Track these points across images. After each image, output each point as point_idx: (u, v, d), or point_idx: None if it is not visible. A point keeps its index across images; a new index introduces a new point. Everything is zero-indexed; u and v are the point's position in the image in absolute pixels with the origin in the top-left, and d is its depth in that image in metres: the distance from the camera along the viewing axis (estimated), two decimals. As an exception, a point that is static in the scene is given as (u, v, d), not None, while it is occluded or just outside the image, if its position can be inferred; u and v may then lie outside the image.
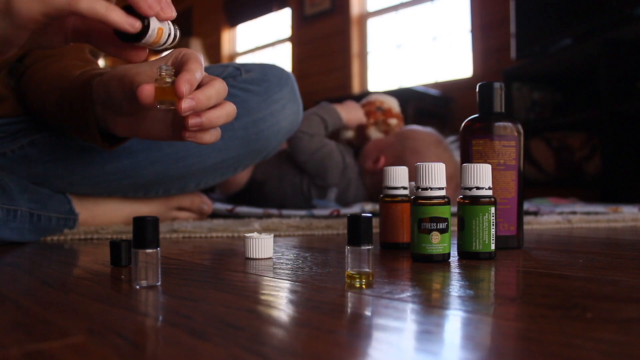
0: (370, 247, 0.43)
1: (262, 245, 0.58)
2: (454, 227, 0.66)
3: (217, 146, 0.90)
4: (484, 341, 0.29)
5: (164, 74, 0.52)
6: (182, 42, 4.40)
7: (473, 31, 3.14)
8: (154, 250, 0.42)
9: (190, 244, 0.75)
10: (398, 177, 0.67)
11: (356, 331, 0.31)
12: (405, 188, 0.67)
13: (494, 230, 0.57)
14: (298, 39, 4.13)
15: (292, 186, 1.47)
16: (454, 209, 0.64)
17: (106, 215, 0.94)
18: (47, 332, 0.30)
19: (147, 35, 0.50)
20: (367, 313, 0.35)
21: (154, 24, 0.50)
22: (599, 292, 0.40)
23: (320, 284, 0.44)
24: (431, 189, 0.55)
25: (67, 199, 0.88)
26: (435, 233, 0.54)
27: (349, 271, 0.43)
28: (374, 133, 1.59)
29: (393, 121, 1.60)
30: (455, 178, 1.33)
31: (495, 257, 0.57)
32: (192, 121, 0.54)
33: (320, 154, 1.42)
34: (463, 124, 0.68)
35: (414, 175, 0.58)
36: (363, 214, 0.43)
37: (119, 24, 0.47)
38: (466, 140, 0.67)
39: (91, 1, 0.45)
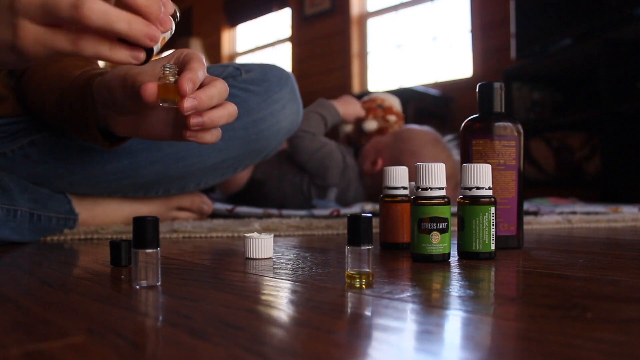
0: (370, 247, 0.43)
1: (262, 245, 0.58)
2: (454, 227, 0.66)
3: (217, 146, 0.90)
4: (484, 341, 0.29)
5: (167, 72, 0.52)
6: (182, 42, 4.41)
7: (473, 31, 3.14)
8: (154, 250, 0.42)
9: (190, 244, 0.75)
10: (398, 177, 0.67)
11: (356, 331, 0.31)
12: (405, 188, 0.67)
13: (494, 230, 0.57)
14: (298, 39, 4.13)
15: (292, 186, 1.47)
16: (454, 209, 0.64)
17: (106, 215, 0.94)
18: (47, 332, 0.30)
19: (153, 53, 0.51)
20: (367, 313, 0.35)
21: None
22: (599, 292, 0.40)
23: (320, 284, 0.44)
24: (431, 189, 0.55)
25: (67, 199, 0.88)
26: (435, 233, 0.54)
27: (349, 271, 0.43)
28: (371, 124, 1.59)
29: (392, 117, 1.60)
30: (454, 177, 1.34)
31: (495, 257, 0.57)
32: (193, 120, 0.54)
33: (320, 154, 1.42)
34: (463, 124, 0.68)
35: (414, 175, 0.58)
36: (363, 214, 0.43)
37: (125, 61, 0.47)
38: (466, 140, 0.67)
39: (94, 45, 0.45)
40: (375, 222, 0.85)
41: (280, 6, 4.30)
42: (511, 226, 0.65)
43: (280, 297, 0.40)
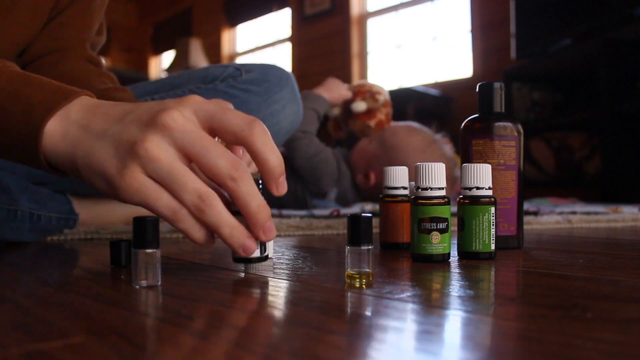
0: (370, 247, 0.43)
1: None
2: (454, 227, 0.66)
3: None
4: (484, 341, 0.29)
5: None
6: (182, 42, 4.41)
7: (473, 31, 3.14)
8: (154, 250, 0.42)
9: (190, 244, 0.75)
10: (398, 177, 0.67)
11: (356, 331, 0.31)
12: (405, 188, 0.67)
13: (494, 230, 0.57)
14: (298, 39, 4.13)
15: (287, 191, 1.48)
16: (454, 209, 0.64)
17: (106, 215, 0.94)
18: (47, 332, 0.30)
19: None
20: (367, 313, 0.35)
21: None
22: (599, 292, 0.40)
23: (320, 284, 0.44)
24: (431, 189, 0.55)
25: (68, 199, 0.88)
26: (435, 233, 0.54)
27: (349, 271, 0.43)
28: (359, 105, 1.59)
29: (381, 97, 1.60)
30: (450, 177, 1.34)
31: (495, 257, 0.57)
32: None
33: (316, 160, 1.43)
34: (463, 124, 0.68)
35: (414, 175, 0.58)
36: (363, 214, 0.43)
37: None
38: (466, 140, 0.67)
39: (190, 223, 0.41)
40: (375, 222, 0.85)
41: (280, 6, 4.30)
42: (511, 226, 0.65)
43: (280, 297, 0.40)
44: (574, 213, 1.21)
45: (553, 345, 0.27)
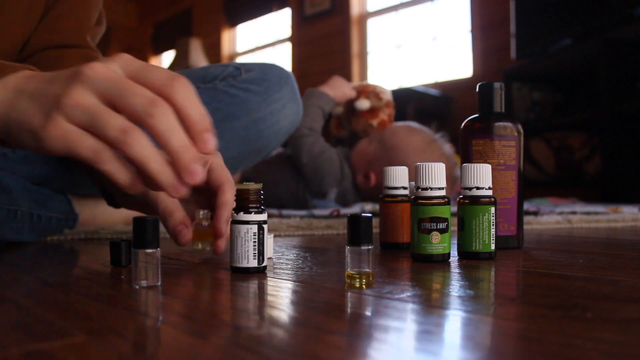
0: (370, 247, 0.43)
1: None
2: (454, 227, 0.65)
3: (217, 146, 0.90)
4: (484, 341, 0.29)
5: (201, 217, 0.57)
6: (182, 42, 4.41)
7: (473, 31, 3.14)
8: (154, 250, 0.42)
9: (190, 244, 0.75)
10: (398, 177, 0.67)
11: (356, 331, 0.31)
12: (405, 188, 0.67)
13: (494, 230, 0.57)
14: (298, 39, 4.13)
15: (287, 191, 1.49)
16: (454, 208, 0.64)
17: (106, 215, 0.94)
18: (47, 332, 0.30)
19: None
20: (367, 313, 0.35)
21: None
22: (599, 292, 0.40)
23: (320, 284, 0.44)
24: (431, 189, 0.55)
25: (68, 199, 0.88)
26: (435, 233, 0.54)
27: (349, 271, 0.43)
28: (363, 103, 1.60)
29: (385, 96, 1.61)
30: (450, 177, 1.34)
31: (495, 257, 0.57)
32: (222, 246, 0.56)
33: (321, 160, 1.43)
34: (463, 124, 0.68)
35: (414, 175, 0.58)
36: (363, 214, 0.43)
37: (131, 191, 0.45)
38: (466, 140, 0.67)
39: (113, 164, 0.42)
40: (375, 222, 0.85)
41: (280, 6, 4.30)
42: (511, 226, 0.65)
43: (280, 297, 0.40)
44: (574, 213, 1.21)
45: (553, 345, 0.27)
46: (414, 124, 1.52)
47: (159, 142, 0.41)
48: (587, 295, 0.39)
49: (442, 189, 0.55)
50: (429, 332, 0.30)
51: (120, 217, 0.96)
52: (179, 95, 0.42)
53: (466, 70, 3.20)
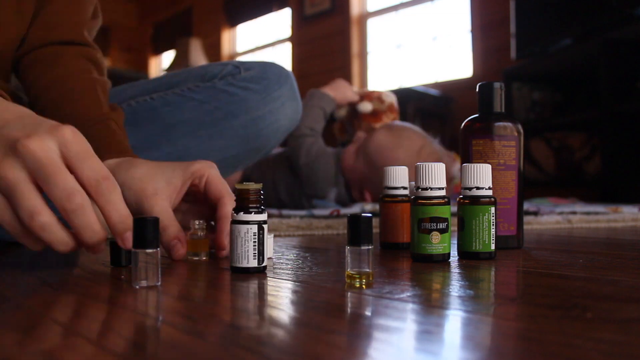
0: (370, 247, 0.43)
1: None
2: (454, 227, 0.65)
3: (217, 145, 0.90)
4: (484, 341, 0.29)
5: (197, 227, 0.57)
6: (182, 42, 4.40)
7: (473, 31, 3.14)
8: (154, 250, 0.42)
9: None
10: (398, 177, 0.67)
11: (356, 331, 0.31)
12: (405, 188, 0.67)
13: (494, 230, 0.57)
14: (298, 39, 4.13)
15: (286, 191, 1.49)
16: (454, 208, 0.64)
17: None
18: (47, 332, 0.30)
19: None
20: (367, 313, 0.35)
21: None
22: (599, 292, 0.40)
23: (320, 284, 0.44)
24: (431, 189, 0.55)
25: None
26: (435, 233, 0.54)
27: (349, 271, 0.43)
28: (365, 105, 1.60)
29: (387, 100, 1.61)
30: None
31: (495, 257, 0.57)
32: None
33: (317, 164, 1.43)
34: (463, 124, 0.68)
35: (414, 175, 0.58)
36: (363, 214, 0.43)
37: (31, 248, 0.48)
38: (466, 140, 0.67)
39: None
40: (375, 222, 0.85)
41: (280, 6, 4.30)
42: (511, 226, 0.65)
43: (280, 297, 0.40)
44: (574, 213, 1.21)
45: (553, 345, 0.27)
46: (398, 128, 1.46)
47: (75, 234, 0.45)
48: (587, 295, 0.39)
49: (442, 189, 0.55)
50: (429, 332, 0.30)
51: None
52: (102, 198, 0.45)
53: (466, 70, 3.20)
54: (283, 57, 4.36)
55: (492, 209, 0.56)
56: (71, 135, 0.45)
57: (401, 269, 0.52)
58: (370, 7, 3.78)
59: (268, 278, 0.46)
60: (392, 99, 1.66)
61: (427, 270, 0.51)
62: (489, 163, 0.62)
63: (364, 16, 3.79)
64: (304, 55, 4.06)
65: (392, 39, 3.67)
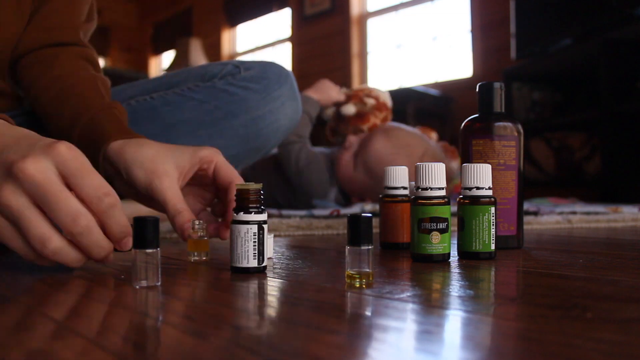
0: (370, 247, 0.43)
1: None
2: (454, 227, 0.65)
3: (217, 145, 0.90)
4: (484, 341, 0.29)
5: (197, 227, 0.57)
6: (182, 42, 4.40)
7: (473, 31, 3.14)
8: (154, 250, 0.42)
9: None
10: (398, 177, 0.67)
11: (356, 331, 0.31)
12: (405, 188, 0.67)
13: (494, 230, 0.57)
14: (298, 39, 4.13)
15: (281, 193, 1.49)
16: (454, 208, 0.64)
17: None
18: (47, 332, 0.30)
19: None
20: (367, 313, 0.35)
21: None
22: (599, 292, 0.40)
23: (320, 284, 0.44)
24: (431, 189, 0.55)
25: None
26: (435, 233, 0.54)
27: (349, 271, 0.43)
28: (348, 108, 1.55)
29: (370, 100, 1.55)
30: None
31: (495, 257, 0.57)
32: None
33: (307, 171, 1.42)
34: (463, 124, 0.68)
35: (414, 175, 0.58)
36: (363, 214, 0.43)
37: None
38: (466, 140, 0.67)
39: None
40: (375, 222, 0.85)
41: (280, 6, 4.30)
42: (511, 226, 0.65)
43: (280, 297, 0.40)
44: (574, 213, 1.21)
45: (553, 345, 0.27)
46: (394, 133, 1.43)
47: (82, 251, 0.46)
48: (587, 295, 0.39)
49: (442, 189, 0.55)
50: (429, 332, 0.30)
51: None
52: (104, 214, 0.46)
53: (466, 70, 3.20)
54: (283, 57, 4.36)
55: (492, 209, 0.56)
56: (67, 151, 0.45)
57: (401, 269, 0.52)
58: (370, 7, 3.78)
59: (268, 278, 0.46)
60: (382, 98, 1.59)
61: (427, 270, 0.51)
62: (489, 163, 0.62)
63: (364, 16, 3.79)
64: (304, 55, 4.06)
65: (392, 39, 3.67)
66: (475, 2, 3.12)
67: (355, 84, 3.72)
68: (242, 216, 0.47)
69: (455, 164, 1.45)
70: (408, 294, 0.39)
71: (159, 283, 0.43)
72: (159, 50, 5.55)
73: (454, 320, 0.33)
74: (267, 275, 0.48)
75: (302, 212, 1.16)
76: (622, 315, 0.33)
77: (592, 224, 1.04)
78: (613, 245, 0.73)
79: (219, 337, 0.29)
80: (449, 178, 1.38)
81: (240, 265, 0.48)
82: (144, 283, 0.42)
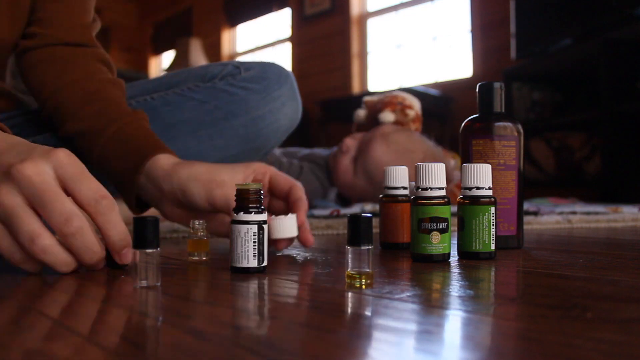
0: (370, 247, 0.43)
1: (286, 224, 0.58)
2: (454, 227, 0.65)
3: (217, 145, 0.90)
4: (484, 341, 0.29)
5: (197, 227, 0.57)
6: (182, 42, 4.41)
7: (473, 31, 3.14)
8: (154, 250, 0.42)
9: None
10: (398, 177, 0.67)
11: (356, 331, 0.31)
12: (405, 188, 0.67)
13: (494, 230, 0.57)
14: (298, 39, 4.13)
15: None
16: (454, 208, 0.64)
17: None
18: (47, 332, 0.30)
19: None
20: (367, 313, 0.35)
21: None
22: (599, 292, 0.40)
23: (320, 284, 0.44)
24: (431, 189, 0.55)
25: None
26: (435, 233, 0.54)
27: (349, 271, 0.43)
28: (387, 115, 1.52)
29: (411, 112, 1.52)
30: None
31: (495, 257, 0.57)
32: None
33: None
34: (463, 124, 0.68)
35: (414, 175, 0.58)
36: (363, 214, 0.43)
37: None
38: (466, 140, 0.67)
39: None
40: (375, 222, 0.85)
41: (280, 6, 4.30)
42: (511, 226, 0.65)
43: (280, 297, 0.40)
44: (574, 213, 1.21)
45: (553, 345, 0.27)
46: (394, 139, 1.39)
47: (74, 255, 0.45)
48: (587, 295, 0.39)
49: (442, 189, 0.55)
50: (429, 332, 0.30)
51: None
52: (101, 217, 0.46)
53: (466, 70, 3.20)
54: (283, 57, 4.36)
55: (492, 209, 0.56)
56: (66, 157, 0.45)
57: (401, 269, 0.52)
58: (370, 7, 3.78)
59: (268, 278, 0.46)
60: (417, 108, 1.57)
61: (427, 270, 0.51)
62: (489, 163, 0.62)
63: (364, 16, 3.79)
64: (304, 55, 4.06)
65: (392, 39, 3.67)
66: (475, 2, 3.12)
67: (355, 84, 3.72)
68: (242, 216, 0.47)
69: (453, 162, 1.44)
70: (408, 294, 0.39)
71: (159, 283, 0.43)
72: (159, 50, 5.55)
73: (454, 320, 0.33)
74: (267, 275, 0.48)
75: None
76: (622, 315, 0.33)
77: (592, 224, 1.04)
78: (613, 245, 0.73)
79: (219, 337, 0.29)
80: (448, 179, 1.37)
81: (240, 265, 0.48)
82: (144, 283, 0.42)
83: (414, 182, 0.58)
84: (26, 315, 0.35)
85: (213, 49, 4.73)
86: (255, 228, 0.47)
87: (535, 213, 1.21)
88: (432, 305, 0.37)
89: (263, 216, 0.48)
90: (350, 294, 0.40)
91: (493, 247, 0.57)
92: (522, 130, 0.66)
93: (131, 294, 0.40)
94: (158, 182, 0.62)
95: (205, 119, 0.88)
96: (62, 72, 0.74)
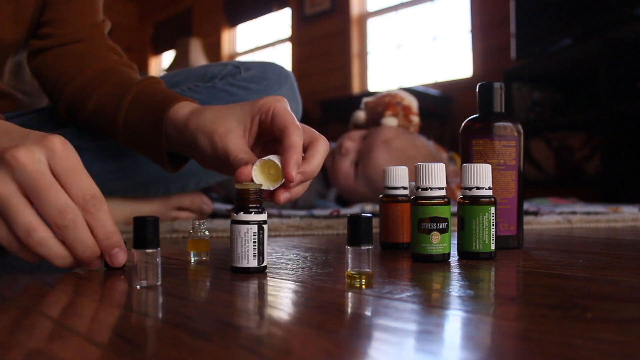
0: (370, 247, 0.43)
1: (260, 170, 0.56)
2: (454, 227, 0.65)
3: None
4: (484, 341, 0.29)
5: (197, 227, 0.56)
6: (182, 42, 4.41)
7: (473, 31, 3.14)
8: (154, 250, 0.42)
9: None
10: (398, 177, 0.67)
11: (356, 331, 0.31)
12: (405, 188, 0.67)
13: (494, 230, 0.57)
14: (298, 39, 4.13)
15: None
16: (454, 208, 0.64)
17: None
18: (47, 332, 0.30)
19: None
20: (367, 313, 0.35)
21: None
22: (599, 292, 0.40)
23: (320, 284, 0.44)
24: (431, 189, 0.55)
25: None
26: (435, 233, 0.54)
27: (349, 271, 0.43)
28: (390, 120, 1.50)
29: (415, 119, 1.51)
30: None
31: (495, 257, 0.57)
32: (282, 198, 0.52)
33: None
34: (463, 124, 0.68)
35: (414, 175, 0.58)
36: (363, 214, 0.43)
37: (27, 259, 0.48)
38: (466, 140, 0.67)
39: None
40: (375, 222, 0.85)
41: (280, 6, 4.30)
42: (511, 226, 0.65)
43: (280, 297, 0.40)
44: (574, 213, 1.21)
45: (553, 345, 0.27)
46: (396, 144, 1.37)
47: (67, 248, 0.45)
48: (587, 295, 0.39)
49: (442, 189, 0.55)
50: (429, 332, 0.30)
51: (120, 217, 0.96)
52: (89, 215, 0.45)
53: (466, 70, 3.20)
54: (283, 57, 4.36)
55: (492, 209, 0.56)
56: (60, 147, 0.45)
57: (401, 269, 0.52)
58: (370, 7, 3.78)
59: (268, 278, 0.46)
60: (415, 107, 1.51)
61: (427, 270, 0.51)
62: (489, 163, 0.62)
63: (364, 16, 3.79)
64: (304, 55, 4.06)
65: (392, 39, 3.67)
66: (475, 2, 3.12)
67: (355, 84, 3.72)
68: (242, 216, 0.47)
69: (445, 154, 1.44)
70: (408, 294, 0.39)
71: (159, 283, 0.43)
72: (159, 50, 5.54)
73: (454, 320, 0.33)
74: (267, 275, 0.48)
75: (302, 212, 1.16)
76: (622, 315, 0.33)
77: (592, 224, 1.04)
78: (613, 245, 0.73)
79: (219, 337, 0.29)
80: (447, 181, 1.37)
81: (240, 265, 0.48)
82: (144, 283, 0.42)
83: (414, 182, 0.58)
84: (27, 315, 0.35)
85: (213, 49, 4.73)
86: (255, 228, 0.47)
87: (535, 213, 1.21)
88: (432, 305, 0.37)
89: (263, 216, 0.48)
90: (350, 294, 0.40)
91: (493, 247, 0.57)
92: (522, 130, 0.66)
93: (131, 294, 0.40)
94: (182, 131, 0.61)
95: None
96: (79, 61, 0.75)
